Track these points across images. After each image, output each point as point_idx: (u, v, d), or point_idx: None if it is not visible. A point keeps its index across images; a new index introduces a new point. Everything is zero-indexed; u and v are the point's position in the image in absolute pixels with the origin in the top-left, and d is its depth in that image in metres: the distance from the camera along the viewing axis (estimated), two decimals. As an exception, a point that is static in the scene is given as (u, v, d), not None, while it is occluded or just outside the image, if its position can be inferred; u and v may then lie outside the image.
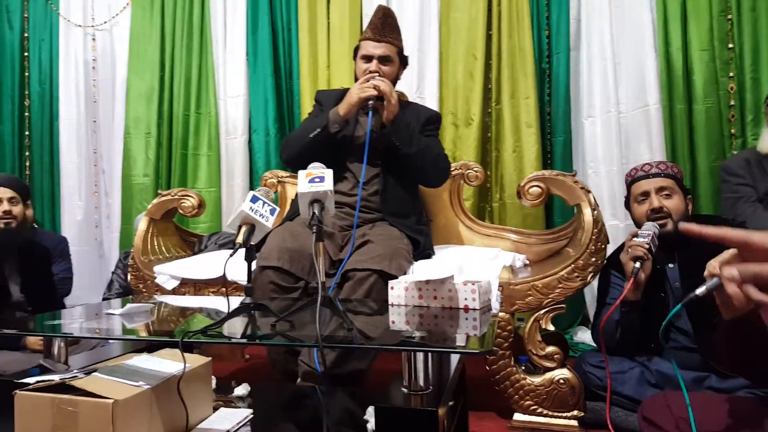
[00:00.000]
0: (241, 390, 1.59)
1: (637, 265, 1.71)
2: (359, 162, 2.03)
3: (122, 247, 3.57)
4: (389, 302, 1.61)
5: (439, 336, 1.39)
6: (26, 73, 3.86)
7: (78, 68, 3.72)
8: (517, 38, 3.05)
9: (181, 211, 2.50)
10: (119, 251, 3.57)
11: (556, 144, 3.14)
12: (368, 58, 2.14)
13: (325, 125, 2.05)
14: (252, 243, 1.44)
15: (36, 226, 3.07)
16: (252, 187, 3.48)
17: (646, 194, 1.91)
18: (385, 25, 2.14)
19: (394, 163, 2.11)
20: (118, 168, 3.66)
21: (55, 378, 1.24)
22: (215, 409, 1.42)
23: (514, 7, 3.05)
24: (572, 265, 1.86)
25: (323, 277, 1.35)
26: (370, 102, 2.00)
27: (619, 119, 2.91)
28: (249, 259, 1.45)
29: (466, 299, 1.52)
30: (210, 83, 3.50)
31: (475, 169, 2.48)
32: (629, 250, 1.75)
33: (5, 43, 3.85)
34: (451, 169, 2.52)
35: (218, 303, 2.01)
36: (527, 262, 2.22)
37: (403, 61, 2.22)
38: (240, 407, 1.50)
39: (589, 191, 1.97)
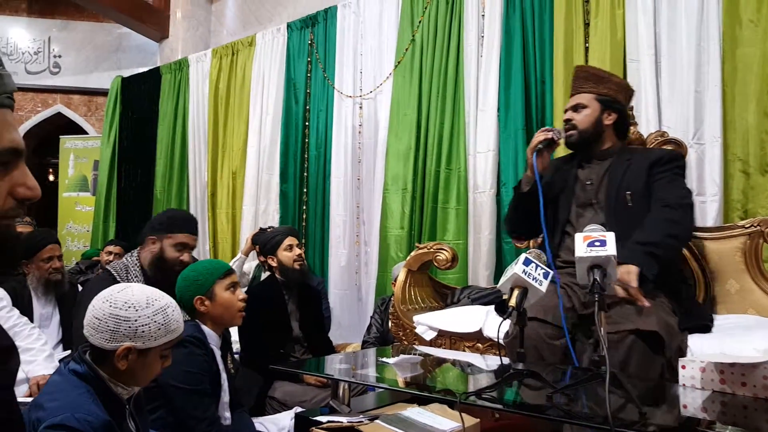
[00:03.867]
0: (507, 458, 1.53)
1: None
2: (584, 216, 2.03)
3: (378, 293, 3.85)
4: (680, 383, 1.40)
5: (757, 435, 1.16)
6: (306, 140, 4.54)
7: (347, 133, 4.23)
8: (833, 69, 2.52)
9: (435, 264, 2.60)
10: (375, 296, 3.87)
11: None
12: (566, 111, 2.20)
13: (517, 187, 2.16)
14: (524, 307, 1.39)
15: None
16: (500, 241, 3.47)
17: None
18: (578, 79, 2.19)
19: (619, 210, 1.94)
20: (377, 220, 4.00)
21: (344, 420, 1.35)
22: (483, 475, 1.39)
23: (826, 32, 2.54)
24: None
25: (605, 350, 1.24)
26: (540, 145, 2.06)
27: None
28: (521, 323, 1.41)
29: (790, 391, 1.24)
30: (461, 140, 3.63)
31: (777, 226, 2.08)
32: None
33: (292, 115, 4.62)
34: (746, 225, 2.16)
35: (477, 359, 2.01)
36: None
37: (606, 105, 2.11)
38: (507, 477, 1.44)
39: None
